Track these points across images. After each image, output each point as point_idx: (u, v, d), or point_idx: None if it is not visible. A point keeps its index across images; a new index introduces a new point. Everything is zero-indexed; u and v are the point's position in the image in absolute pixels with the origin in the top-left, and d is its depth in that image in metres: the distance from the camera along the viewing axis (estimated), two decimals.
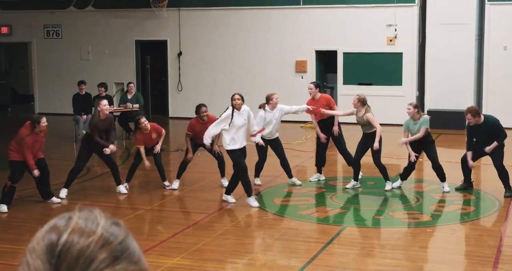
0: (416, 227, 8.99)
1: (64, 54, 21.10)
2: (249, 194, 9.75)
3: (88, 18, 20.70)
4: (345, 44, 18.30)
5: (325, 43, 18.53)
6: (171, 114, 20.14)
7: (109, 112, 15.12)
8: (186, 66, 19.92)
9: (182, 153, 11.87)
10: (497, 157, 10.19)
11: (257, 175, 11.10)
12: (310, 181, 11.45)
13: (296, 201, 10.29)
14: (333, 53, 18.55)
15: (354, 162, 10.83)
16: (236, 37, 19.29)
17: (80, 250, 1.13)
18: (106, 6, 20.50)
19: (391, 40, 17.95)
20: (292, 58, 18.85)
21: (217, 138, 10.41)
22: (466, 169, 10.48)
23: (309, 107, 11.06)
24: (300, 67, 18.85)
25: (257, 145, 10.39)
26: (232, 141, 9.68)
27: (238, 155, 9.68)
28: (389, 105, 17.28)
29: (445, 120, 16.48)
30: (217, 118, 10.01)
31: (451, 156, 12.77)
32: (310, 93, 11.22)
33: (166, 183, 11.03)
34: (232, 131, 9.65)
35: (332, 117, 11.22)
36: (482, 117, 10.17)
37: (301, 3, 18.60)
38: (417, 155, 10.55)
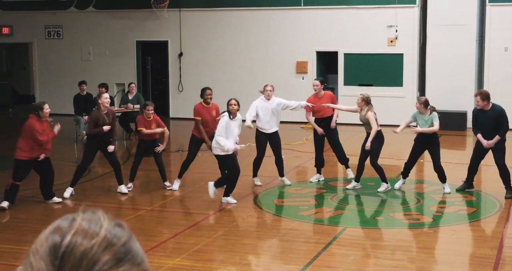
0: (416, 228, 8.99)
1: (65, 55, 21.11)
2: (227, 195, 9.96)
3: (89, 19, 20.72)
4: (346, 45, 18.30)
5: (325, 44, 18.54)
6: (171, 115, 20.14)
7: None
8: (186, 67, 19.93)
9: (183, 153, 11.88)
10: (499, 154, 10.19)
11: (255, 174, 11.10)
12: (311, 182, 11.45)
13: (296, 202, 10.29)
14: (334, 54, 18.56)
15: (358, 163, 10.85)
16: (237, 38, 19.30)
17: (84, 252, 1.14)
18: (107, 6, 20.51)
19: (391, 41, 17.95)
20: (293, 59, 18.86)
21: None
22: (473, 171, 10.47)
23: (309, 104, 11.08)
24: (301, 68, 18.85)
25: (256, 139, 10.63)
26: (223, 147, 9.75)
27: (229, 158, 9.79)
28: (390, 106, 17.28)
29: (445, 121, 16.42)
30: (219, 107, 10.45)
31: (451, 156, 12.78)
32: (315, 90, 11.22)
33: (167, 184, 11.03)
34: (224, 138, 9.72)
35: (331, 117, 11.24)
36: (490, 104, 10.20)
37: (302, 4, 18.61)
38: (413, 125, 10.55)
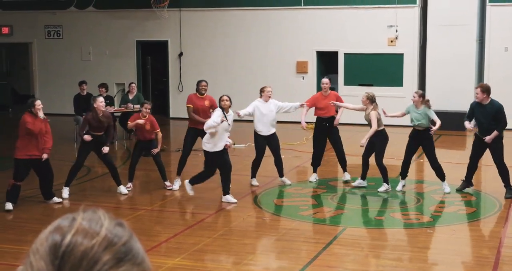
0: (416, 228, 9.00)
1: (65, 55, 21.11)
2: (226, 193, 10.00)
3: (89, 19, 20.72)
4: (346, 45, 18.30)
5: (326, 44, 18.53)
6: (172, 114, 20.14)
7: (110, 113, 15.17)
8: (187, 67, 19.92)
9: None
10: (497, 152, 10.19)
11: (253, 175, 11.11)
12: (310, 182, 11.45)
13: (296, 202, 10.29)
14: (334, 54, 18.56)
15: (362, 161, 10.86)
16: (237, 38, 19.30)
17: (84, 251, 1.13)
18: (107, 6, 20.51)
19: (392, 41, 17.95)
20: (293, 59, 18.86)
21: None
22: (472, 169, 10.47)
23: (303, 103, 11.11)
24: (301, 68, 18.85)
25: (254, 136, 10.77)
26: (214, 143, 9.74)
27: (218, 156, 9.80)
28: (390, 106, 17.23)
29: (445, 121, 16.42)
30: (215, 100, 10.57)
31: (451, 156, 12.79)
32: (324, 88, 11.22)
33: (167, 183, 11.03)
34: (216, 134, 9.69)
35: (334, 117, 11.24)
36: (489, 99, 10.19)
37: (302, 3, 18.60)
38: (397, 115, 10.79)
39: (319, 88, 18.49)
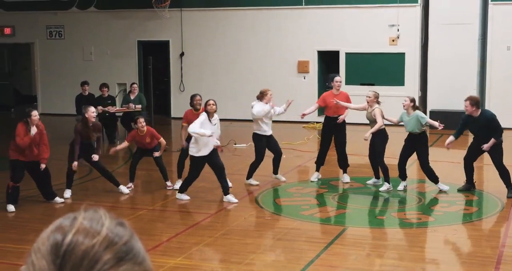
0: (418, 228, 9.00)
1: (66, 55, 21.13)
2: (226, 193, 10.02)
3: (90, 19, 20.73)
4: (347, 45, 18.30)
5: (327, 44, 18.53)
6: (173, 114, 20.14)
7: (112, 112, 15.16)
8: (188, 67, 19.94)
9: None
10: (496, 155, 10.18)
11: (250, 176, 11.13)
12: (312, 181, 11.45)
13: (298, 201, 10.29)
14: (335, 54, 18.55)
15: (370, 162, 10.90)
16: (238, 38, 19.30)
17: (85, 251, 1.14)
18: (109, 6, 20.53)
19: (393, 41, 17.94)
20: (294, 58, 18.86)
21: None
22: (469, 170, 10.47)
23: (290, 101, 11.12)
24: (302, 67, 18.85)
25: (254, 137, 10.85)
26: (198, 148, 9.75)
27: (204, 160, 9.84)
28: (391, 105, 17.24)
29: (447, 121, 16.39)
30: None
31: (453, 156, 12.75)
32: (337, 86, 11.25)
33: (168, 183, 11.05)
34: (201, 139, 9.68)
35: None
36: (479, 111, 10.16)
37: (303, 3, 18.60)
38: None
39: (320, 88, 18.56)
